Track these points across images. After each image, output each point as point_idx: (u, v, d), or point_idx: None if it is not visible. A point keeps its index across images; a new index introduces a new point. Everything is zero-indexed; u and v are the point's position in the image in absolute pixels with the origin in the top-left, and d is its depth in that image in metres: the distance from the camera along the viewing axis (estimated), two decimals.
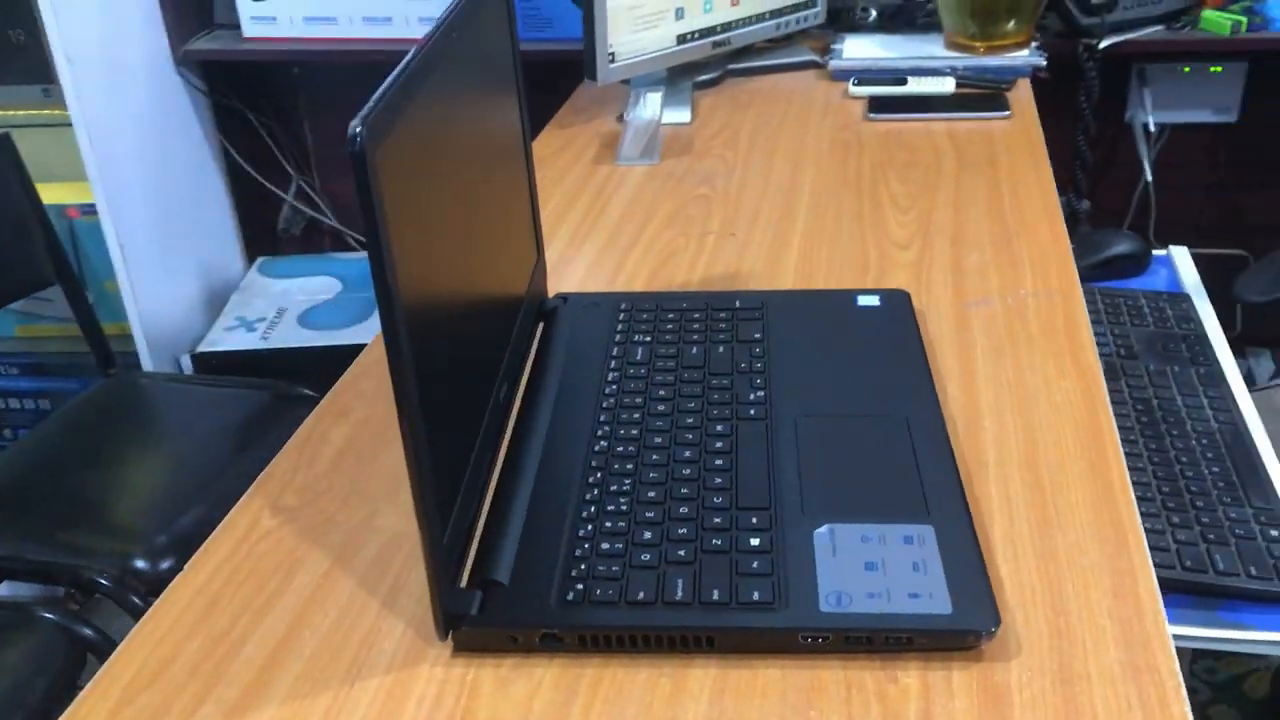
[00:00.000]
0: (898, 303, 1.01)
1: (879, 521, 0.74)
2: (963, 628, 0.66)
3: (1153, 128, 1.95)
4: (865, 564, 0.71)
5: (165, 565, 1.48)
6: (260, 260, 2.36)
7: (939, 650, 0.67)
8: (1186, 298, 1.30)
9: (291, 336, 2.10)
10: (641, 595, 0.69)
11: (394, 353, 0.61)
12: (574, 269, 1.14)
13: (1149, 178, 1.98)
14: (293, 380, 1.84)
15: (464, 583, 0.72)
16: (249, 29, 2.09)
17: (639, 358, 0.94)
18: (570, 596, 0.69)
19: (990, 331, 0.99)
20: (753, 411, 0.86)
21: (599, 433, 0.85)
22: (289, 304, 2.20)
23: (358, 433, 0.91)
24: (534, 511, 0.77)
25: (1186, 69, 1.97)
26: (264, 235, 2.45)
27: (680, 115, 1.51)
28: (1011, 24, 1.60)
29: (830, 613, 0.67)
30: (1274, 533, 0.94)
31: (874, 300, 1.01)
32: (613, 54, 1.48)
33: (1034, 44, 1.63)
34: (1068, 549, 0.74)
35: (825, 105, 1.54)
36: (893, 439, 0.83)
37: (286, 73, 2.32)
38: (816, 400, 0.87)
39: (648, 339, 0.96)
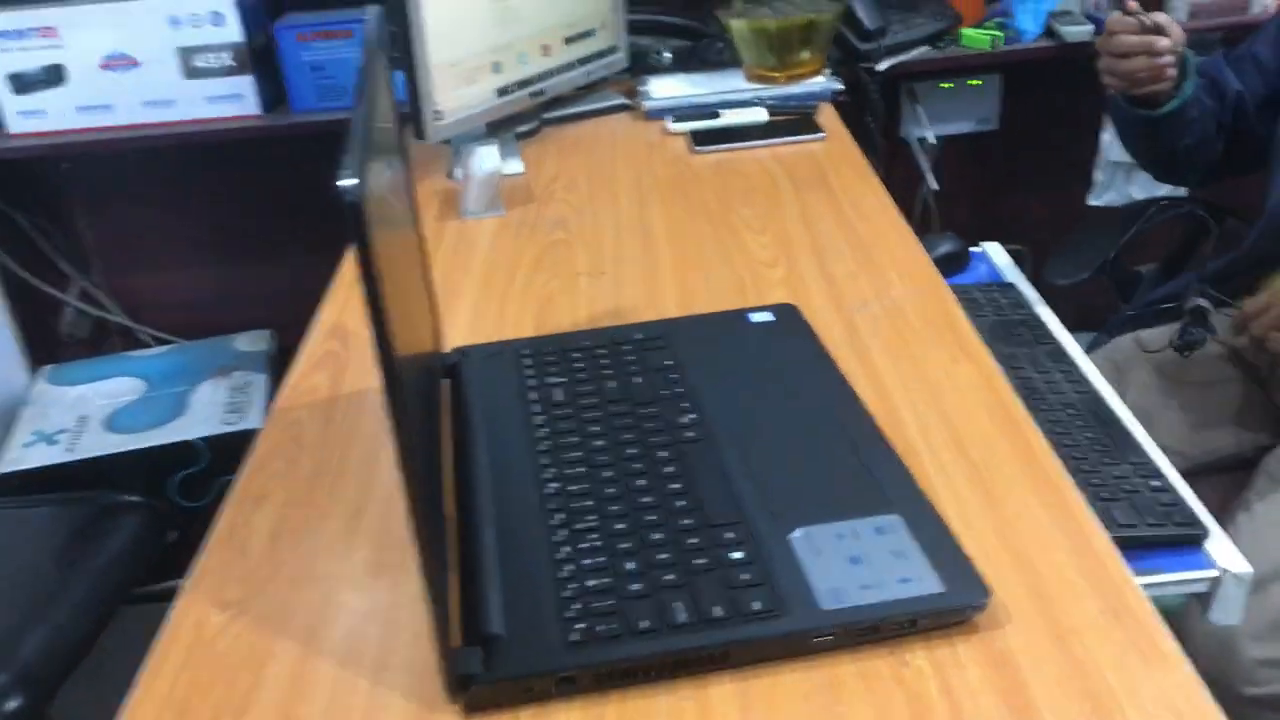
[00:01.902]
0: (789, 316, 1.05)
1: (846, 518, 0.77)
2: (959, 603, 0.69)
3: (932, 140, 2.09)
4: (849, 559, 0.73)
5: (13, 705, 1.36)
6: (48, 369, 2.20)
7: (938, 629, 0.69)
8: (1012, 286, 1.41)
9: (101, 444, 1.97)
10: (646, 624, 0.69)
11: (398, 413, 0.59)
12: (456, 324, 1.12)
13: (934, 186, 2.13)
14: (111, 489, 1.72)
15: (457, 642, 0.70)
16: (15, 124, 1.96)
17: (560, 399, 0.94)
18: (574, 637, 0.68)
19: (879, 332, 1.04)
20: (690, 434, 0.87)
21: (545, 475, 0.84)
22: (90, 410, 2.06)
23: (286, 514, 0.86)
24: (506, 561, 0.75)
25: (949, 85, 2.13)
26: (47, 342, 2.29)
27: (513, 166, 1.52)
28: (806, 54, 1.69)
29: (833, 610, 0.69)
30: (1155, 483, 1.02)
31: (767, 316, 1.05)
32: (439, 112, 1.47)
33: (828, 71, 1.72)
34: (1018, 518, 0.79)
35: (649, 144, 1.58)
36: (832, 442, 0.86)
37: (54, 169, 2.19)
38: (746, 415, 0.90)
39: (563, 380, 0.96)
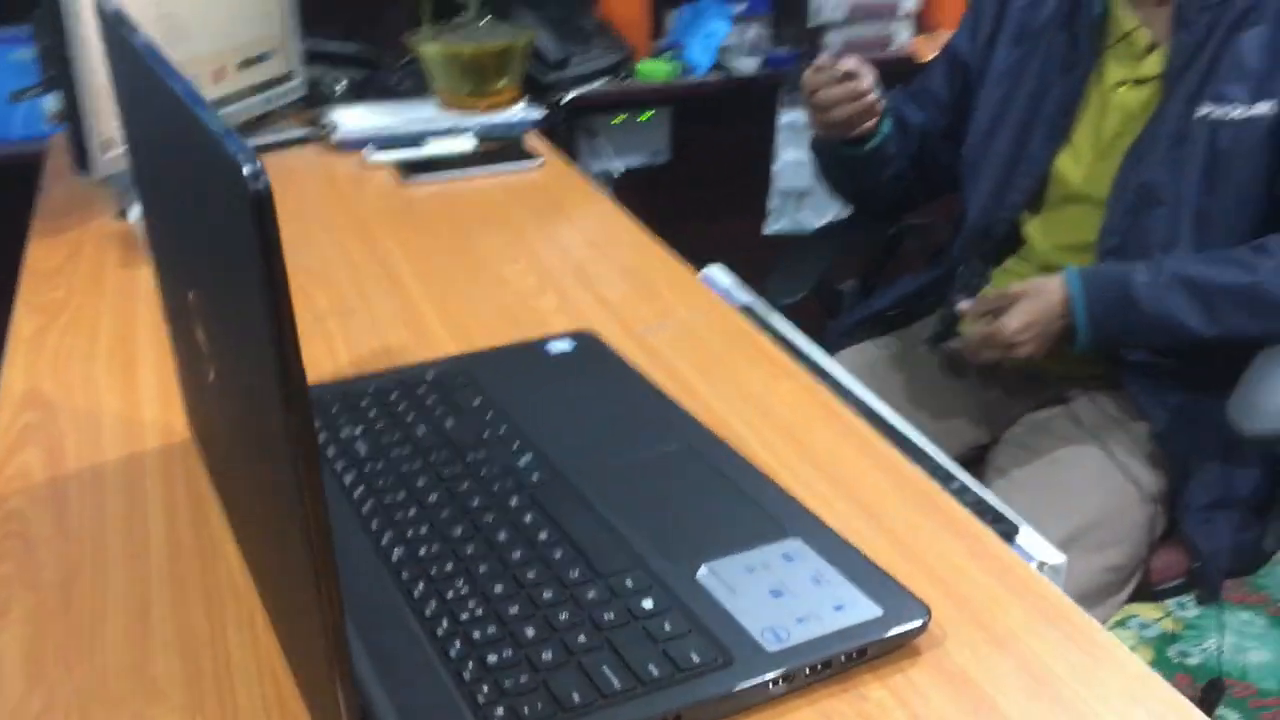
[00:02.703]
0: (590, 344, 0.96)
1: (747, 549, 0.70)
2: (903, 625, 0.64)
3: (617, 173, 2.08)
4: (770, 592, 0.66)
5: None
6: None
7: (882, 655, 0.64)
8: (751, 309, 1.40)
9: None
10: (577, 697, 0.58)
11: (311, 473, 0.45)
12: None
13: None
14: None
15: None
16: None
17: (364, 453, 0.80)
18: None
19: (684, 354, 0.98)
20: (535, 477, 0.77)
21: (383, 542, 0.70)
22: None
23: (41, 629, 0.67)
24: (374, 649, 0.62)
25: (622, 118, 2.13)
26: None
27: None
28: (504, 82, 1.62)
29: (779, 651, 0.62)
30: (954, 485, 1.03)
31: (566, 345, 0.96)
32: (106, 141, 1.26)
33: (525, 99, 1.66)
34: (905, 529, 0.75)
35: (350, 176, 1.44)
36: (693, 470, 0.78)
37: None
38: (590, 451, 0.80)
39: (358, 430, 0.82)
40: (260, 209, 0.41)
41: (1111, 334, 1.30)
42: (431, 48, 1.58)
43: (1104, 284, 1.29)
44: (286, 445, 0.45)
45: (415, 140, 1.51)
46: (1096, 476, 1.29)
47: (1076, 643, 0.65)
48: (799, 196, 2.10)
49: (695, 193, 2.30)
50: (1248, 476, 1.32)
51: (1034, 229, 1.46)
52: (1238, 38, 1.30)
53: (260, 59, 1.54)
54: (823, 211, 2.07)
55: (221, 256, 0.49)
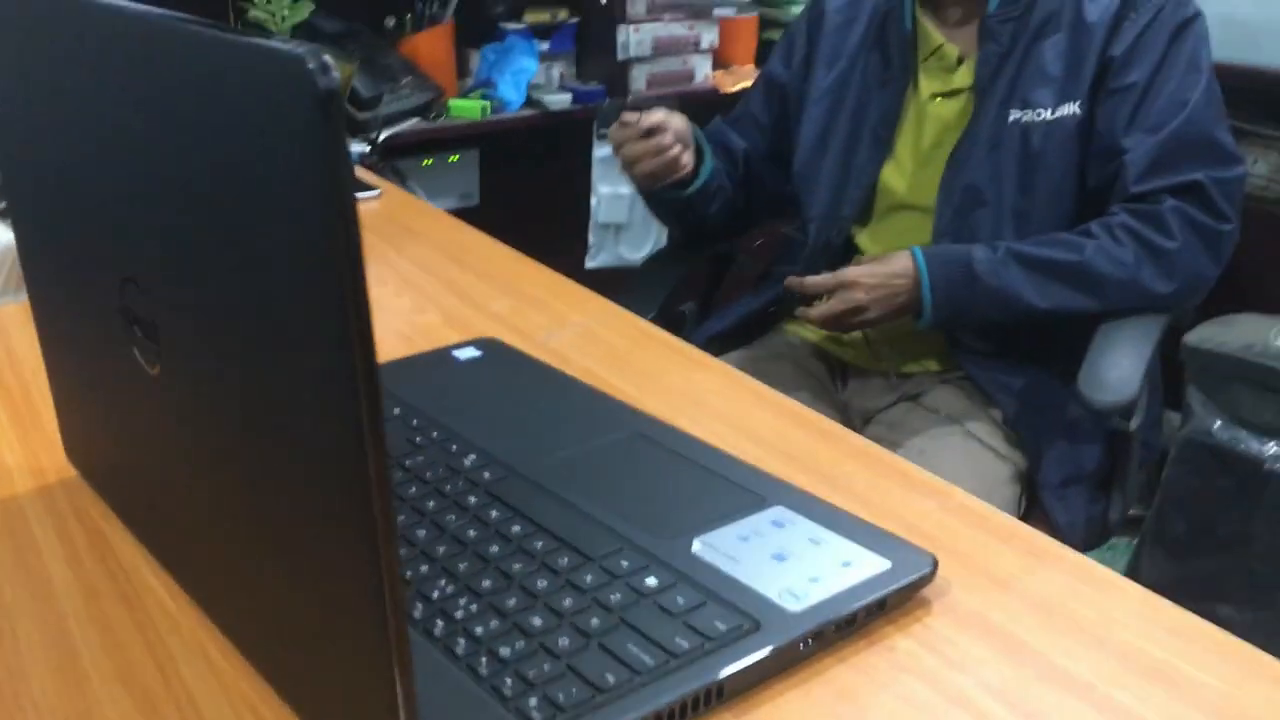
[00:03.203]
0: (497, 349, 0.92)
1: (734, 520, 0.67)
2: (915, 574, 0.62)
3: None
4: (773, 557, 0.63)
5: None
6: None
7: (900, 606, 0.62)
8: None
9: None
10: (610, 678, 0.54)
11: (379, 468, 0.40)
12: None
13: None
14: None
15: None
16: None
17: None
18: (536, 716, 0.51)
19: (592, 355, 0.94)
20: (487, 475, 0.72)
21: None
22: None
23: None
24: None
25: (429, 161, 2.08)
26: None
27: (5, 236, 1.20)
28: None
29: (802, 611, 0.59)
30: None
31: (473, 352, 0.91)
32: None
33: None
34: (873, 492, 0.74)
35: None
36: (649, 453, 0.75)
37: None
38: (533, 446, 0.76)
39: None
40: (329, 106, 0.36)
41: (954, 308, 1.34)
42: None
43: (946, 260, 1.34)
44: (352, 416, 0.39)
45: None
46: (965, 460, 1.33)
47: (1076, 576, 0.65)
48: (617, 230, 2.10)
49: (512, 231, 2.26)
50: (1092, 452, 1.39)
51: (865, 239, 1.51)
52: (1039, 46, 1.38)
53: None
54: (641, 245, 2.08)
55: (229, 206, 0.43)
